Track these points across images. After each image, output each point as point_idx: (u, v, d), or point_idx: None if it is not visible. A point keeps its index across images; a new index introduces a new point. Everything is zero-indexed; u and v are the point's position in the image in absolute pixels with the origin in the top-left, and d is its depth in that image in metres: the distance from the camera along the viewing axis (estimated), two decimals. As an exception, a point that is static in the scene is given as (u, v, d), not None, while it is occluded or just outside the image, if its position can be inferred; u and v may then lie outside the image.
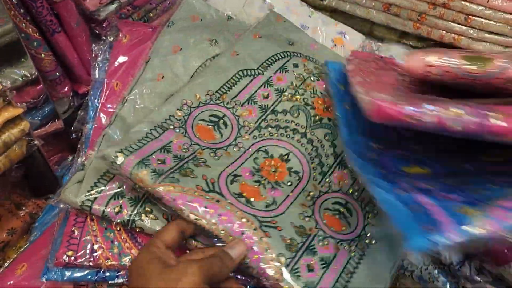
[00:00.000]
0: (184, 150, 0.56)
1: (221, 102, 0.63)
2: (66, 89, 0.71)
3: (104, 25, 0.72)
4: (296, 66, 0.69)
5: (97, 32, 0.73)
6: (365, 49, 0.81)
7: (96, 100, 0.67)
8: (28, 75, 0.64)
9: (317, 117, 0.65)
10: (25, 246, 0.66)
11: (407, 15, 0.75)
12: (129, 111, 0.63)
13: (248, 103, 0.64)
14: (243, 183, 0.55)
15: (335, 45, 0.80)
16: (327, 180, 0.60)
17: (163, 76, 0.66)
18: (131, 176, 0.50)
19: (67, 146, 0.77)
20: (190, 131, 0.59)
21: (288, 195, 0.56)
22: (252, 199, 0.53)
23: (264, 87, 0.66)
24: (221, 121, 0.62)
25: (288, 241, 0.50)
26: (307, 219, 0.54)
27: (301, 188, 0.58)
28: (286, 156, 0.60)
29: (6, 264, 0.63)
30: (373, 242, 0.55)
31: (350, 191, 0.60)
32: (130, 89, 0.65)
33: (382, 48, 0.81)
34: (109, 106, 0.65)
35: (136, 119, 0.62)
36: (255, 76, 0.67)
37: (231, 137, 0.61)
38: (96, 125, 0.63)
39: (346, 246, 0.53)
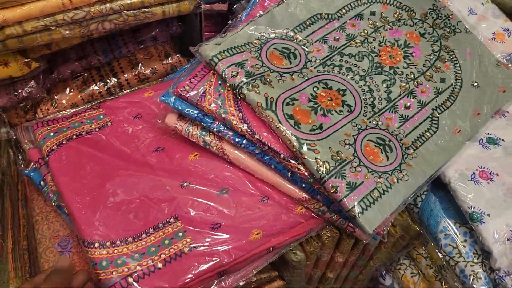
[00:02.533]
0: (255, 69, 0.64)
1: (294, 40, 0.71)
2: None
3: None
4: (373, 14, 0.76)
5: None
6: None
7: None
8: None
9: (379, 65, 0.71)
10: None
11: None
12: (279, 12, 0.72)
13: (319, 42, 0.71)
14: (297, 107, 0.62)
15: (494, 38, 0.78)
16: (376, 118, 0.66)
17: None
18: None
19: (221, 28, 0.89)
20: (263, 56, 0.67)
21: (336, 123, 0.63)
22: (300, 123, 0.60)
23: (337, 31, 0.73)
24: (292, 53, 0.69)
25: (321, 163, 0.57)
26: (347, 146, 0.61)
27: (349, 119, 0.64)
28: (342, 92, 0.66)
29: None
30: (407, 179, 0.61)
31: (396, 133, 0.65)
32: None
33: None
34: (267, 2, 0.75)
35: (281, 21, 0.71)
36: (331, 20, 0.74)
37: (298, 65, 0.68)
38: (249, 13, 0.74)
39: (376, 177, 0.60)
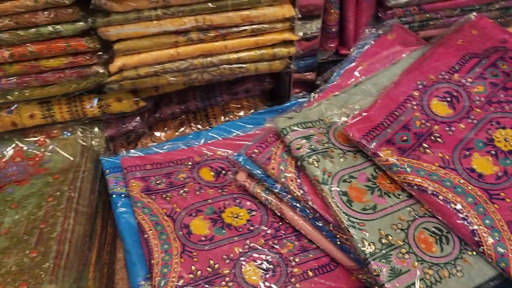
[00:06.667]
0: (320, 144, 0.67)
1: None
2: (332, 44, 0.88)
3: (388, 13, 0.85)
4: None
5: (379, 15, 0.86)
6: None
7: (341, 70, 0.82)
8: (315, 30, 0.83)
9: None
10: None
11: None
12: (354, 92, 0.76)
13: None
14: (354, 184, 0.64)
15: None
16: None
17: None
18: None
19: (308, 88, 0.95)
20: (331, 132, 0.69)
21: (391, 205, 0.62)
22: (353, 201, 0.62)
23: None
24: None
25: (367, 244, 0.57)
26: (398, 231, 0.59)
27: (409, 204, 0.63)
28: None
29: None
30: (460, 275, 0.56)
31: None
32: (368, 79, 0.78)
33: None
34: (345, 80, 0.79)
35: (354, 103, 0.75)
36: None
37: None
38: (328, 88, 0.79)
39: (426, 267, 0.56)
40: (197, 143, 0.81)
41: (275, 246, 0.64)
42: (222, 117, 0.91)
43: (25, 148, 0.83)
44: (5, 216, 0.68)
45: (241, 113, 0.91)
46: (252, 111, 0.92)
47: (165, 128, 0.90)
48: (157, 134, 0.90)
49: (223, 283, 0.59)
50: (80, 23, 0.67)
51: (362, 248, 0.56)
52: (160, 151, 0.80)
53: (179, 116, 0.91)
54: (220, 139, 0.83)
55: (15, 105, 0.78)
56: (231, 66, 0.78)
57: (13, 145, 0.83)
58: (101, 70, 0.73)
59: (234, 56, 0.77)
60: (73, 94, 0.76)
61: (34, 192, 0.73)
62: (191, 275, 0.60)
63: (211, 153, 0.80)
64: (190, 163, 0.77)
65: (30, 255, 0.61)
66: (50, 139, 0.83)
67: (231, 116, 0.91)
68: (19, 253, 0.62)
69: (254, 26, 0.74)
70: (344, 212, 0.59)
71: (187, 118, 0.92)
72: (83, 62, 0.71)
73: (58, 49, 0.68)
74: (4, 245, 0.63)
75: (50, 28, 0.66)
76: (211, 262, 0.62)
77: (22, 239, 0.64)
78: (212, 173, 0.76)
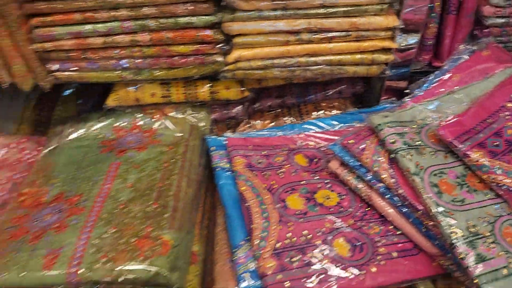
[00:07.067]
0: (413, 141, 0.73)
1: None
2: (427, 56, 0.94)
3: (484, 31, 0.90)
4: None
5: (476, 33, 0.91)
6: None
7: (434, 79, 0.88)
8: (413, 42, 0.89)
9: None
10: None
11: None
12: (446, 100, 0.82)
13: None
14: (444, 179, 0.69)
15: None
16: None
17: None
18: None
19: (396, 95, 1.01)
20: (423, 133, 0.75)
21: (479, 201, 0.66)
22: (443, 192, 0.67)
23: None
24: None
25: (454, 230, 0.62)
26: (485, 223, 0.63)
27: (497, 202, 0.67)
28: None
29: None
30: None
31: None
32: (461, 89, 0.83)
33: None
34: (437, 88, 0.85)
35: (446, 108, 0.80)
36: None
37: None
38: (421, 94, 0.85)
39: (510, 257, 0.60)
40: (292, 133, 0.90)
41: (362, 227, 0.71)
42: (314, 114, 1.00)
43: (142, 122, 0.96)
44: (129, 174, 0.81)
45: (333, 112, 0.99)
46: (342, 111, 1.00)
47: (262, 118, 1.00)
48: (254, 122, 1.00)
49: (316, 250, 0.67)
50: (211, 17, 0.78)
51: (450, 233, 0.61)
52: (260, 136, 0.89)
53: (275, 109, 1.01)
54: (312, 132, 0.91)
55: (141, 84, 0.91)
56: (332, 67, 0.86)
57: (133, 118, 0.96)
58: (220, 59, 0.84)
59: (337, 58, 0.85)
60: (191, 78, 0.88)
61: (152, 158, 0.85)
62: (286, 241, 0.68)
63: (305, 143, 0.88)
64: (286, 149, 0.86)
65: (152, 206, 0.72)
66: (164, 116, 0.95)
67: (322, 114, 0.99)
68: (143, 203, 0.73)
69: (359, 33, 0.82)
70: (433, 201, 0.65)
71: (282, 111, 1.01)
72: (206, 50, 0.83)
73: (188, 38, 0.80)
74: (130, 196, 0.75)
75: (186, 19, 0.78)
76: (305, 232, 0.70)
77: (144, 193, 0.76)
78: (306, 160, 0.84)
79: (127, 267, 0.62)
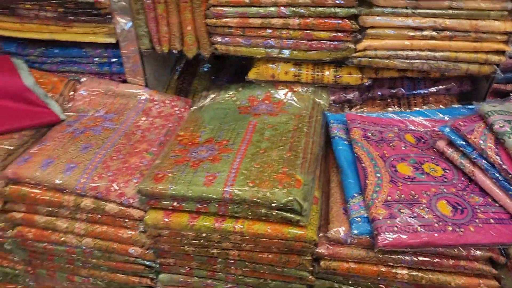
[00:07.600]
0: None
1: None
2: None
3: None
4: None
5: None
6: None
7: None
8: None
9: None
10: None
11: None
12: None
13: None
14: None
15: None
16: None
17: None
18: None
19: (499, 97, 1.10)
20: None
21: None
22: None
23: None
24: None
25: None
26: None
27: None
28: None
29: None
30: None
31: None
32: None
33: None
34: None
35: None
36: None
37: None
38: None
39: None
40: (402, 117, 1.04)
41: (464, 196, 0.83)
42: (422, 106, 1.12)
43: (273, 95, 1.14)
44: (265, 130, 0.99)
45: (440, 107, 1.11)
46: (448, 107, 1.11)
47: (373, 106, 1.14)
48: (366, 108, 1.14)
49: (421, 207, 0.80)
50: (353, 9, 0.95)
51: None
52: (373, 115, 1.04)
53: (386, 98, 1.14)
54: (421, 118, 1.04)
55: (279, 62, 1.10)
56: (448, 62, 0.99)
57: (266, 91, 1.15)
58: (351, 46, 1.00)
59: (454, 55, 0.97)
60: (323, 61, 1.05)
61: (282, 122, 1.03)
62: (396, 196, 0.82)
63: (413, 127, 1.01)
64: (396, 129, 1.00)
65: (286, 154, 0.90)
66: (291, 92, 1.13)
67: (429, 107, 1.11)
68: (279, 152, 0.91)
69: (478, 34, 0.93)
70: None
71: (392, 101, 1.14)
72: (342, 38, 0.99)
73: (330, 25, 0.97)
74: (268, 145, 0.93)
75: (332, 9, 0.95)
76: (412, 192, 0.83)
77: (279, 144, 0.93)
78: (414, 139, 0.97)
79: (270, 192, 0.80)
